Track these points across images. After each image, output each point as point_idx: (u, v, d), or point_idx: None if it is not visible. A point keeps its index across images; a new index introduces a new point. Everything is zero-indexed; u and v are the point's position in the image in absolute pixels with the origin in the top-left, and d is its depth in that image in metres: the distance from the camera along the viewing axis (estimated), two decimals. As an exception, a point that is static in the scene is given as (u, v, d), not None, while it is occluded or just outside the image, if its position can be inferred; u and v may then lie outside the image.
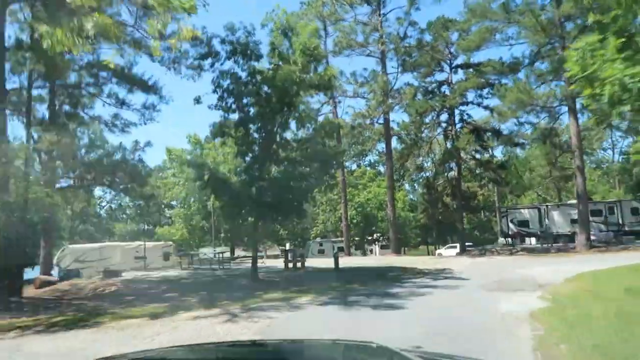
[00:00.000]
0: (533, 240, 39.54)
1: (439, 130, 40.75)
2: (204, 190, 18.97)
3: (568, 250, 28.48)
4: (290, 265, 22.63)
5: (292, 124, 19.99)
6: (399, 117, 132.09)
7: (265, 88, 18.75)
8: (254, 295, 14.25)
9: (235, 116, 19.41)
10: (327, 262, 23.22)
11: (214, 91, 18.88)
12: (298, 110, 19.63)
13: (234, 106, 19.10)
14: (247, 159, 19.14)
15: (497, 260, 23.76)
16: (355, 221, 44.59)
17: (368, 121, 33.36)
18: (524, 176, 50.78)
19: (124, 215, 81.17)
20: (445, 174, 40.00)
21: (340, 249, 52.60)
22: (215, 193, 18.25)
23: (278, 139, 19.61)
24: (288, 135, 19.88)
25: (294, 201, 18.33)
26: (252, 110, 19.34)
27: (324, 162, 19.47)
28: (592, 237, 28.93)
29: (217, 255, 25.22)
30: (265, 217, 18.79)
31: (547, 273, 16.69)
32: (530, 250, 29.91)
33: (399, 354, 1.94)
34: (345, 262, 25.00)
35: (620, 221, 32.94)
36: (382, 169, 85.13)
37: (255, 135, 19.40)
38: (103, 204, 76.00)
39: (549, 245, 31.88)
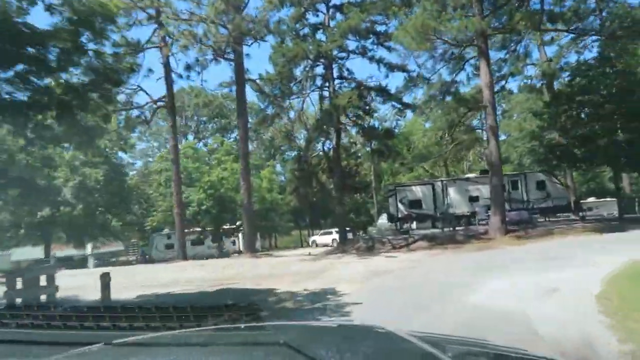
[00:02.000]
0: (414, 224, 32.78)
1: (313, 87, 31.75)
2: None
3: (479, 237, 21.47)
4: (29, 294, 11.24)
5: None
6: (259, 60, 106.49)
7: None
8: None
9: None
10: (153, 272, 12.41)
11: None
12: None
13: None
14: None
15: (405, 263, 15.13)
16: (204, 207, 33.59)
17: (210, 56, 22.59)
18: (403, 149, 44.66)
19: None
20: (321, 142, 31.15)
21: (196, 242, 41.60)
22: None
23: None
24: None
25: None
26: None
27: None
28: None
29: None
30: None
31: (529, 299, 8.23)
32: (431, 239, 22.43)
33: (404, 339, 1.92)
34: (161, 275, 14.38)
35: (526, 197, 27.42)
36: (250, 147, 74.72)
37: None
38: None
39: (451, 229, 24.89)
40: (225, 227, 37.49)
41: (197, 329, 2.35)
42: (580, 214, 27.32)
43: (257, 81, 28.28)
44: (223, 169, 34.34)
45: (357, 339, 2.11)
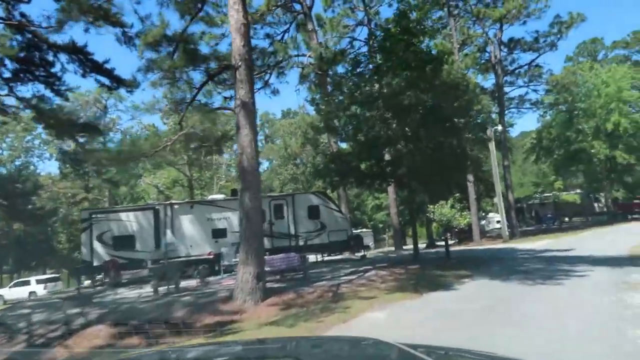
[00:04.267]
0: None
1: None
2: None
3: (218, 308, 11.10)
4: None
5: None
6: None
7: None
8: None
9: None
10: None
11: None
12: None
13: None
14: None
15: None
16: None
17: None
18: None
19: None
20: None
21: None
22: None
23: None
24: None
25: None
26: None
27: None
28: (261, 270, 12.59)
29: None
30: None
31: None
32: (123, 319, 10.98)
33: (401, 349, 1.87)
34: None
35: (293, 230, 18.69)
36: None
37: None
38: None
39: (172, 287, 13.82)
40: None
41: (200, 342, 2.59)
42: (362, 252, 20.23)
43: None
44: None
45: (365, 353, 2.06)
